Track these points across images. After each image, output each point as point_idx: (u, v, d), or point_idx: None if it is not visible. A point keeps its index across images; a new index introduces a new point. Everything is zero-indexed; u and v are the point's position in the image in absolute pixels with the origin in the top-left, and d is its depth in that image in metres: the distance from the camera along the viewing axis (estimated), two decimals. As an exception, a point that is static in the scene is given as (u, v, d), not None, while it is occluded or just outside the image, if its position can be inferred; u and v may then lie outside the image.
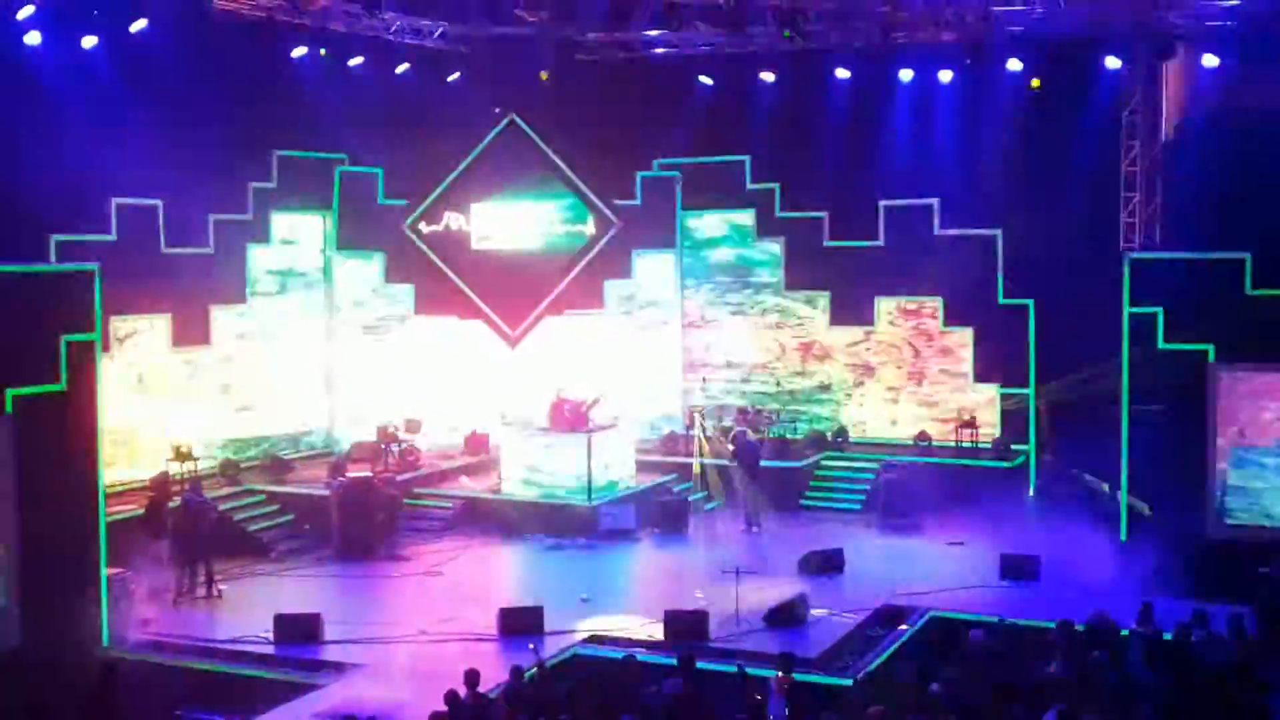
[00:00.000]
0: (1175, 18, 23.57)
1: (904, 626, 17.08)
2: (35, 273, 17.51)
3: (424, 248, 26.52)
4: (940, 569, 19.84)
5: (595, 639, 16.68)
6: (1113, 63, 25.07)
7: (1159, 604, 15.47)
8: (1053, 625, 14.53)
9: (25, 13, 20.33)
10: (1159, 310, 20.25)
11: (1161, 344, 20.26)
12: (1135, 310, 20.47)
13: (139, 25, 21.33)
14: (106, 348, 19.14)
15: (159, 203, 22.66)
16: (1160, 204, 25.31)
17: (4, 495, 16.08)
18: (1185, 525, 19.72)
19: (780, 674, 13.66)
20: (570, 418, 23.28)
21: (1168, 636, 14.08)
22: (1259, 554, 17.81)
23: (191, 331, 23.52)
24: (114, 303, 18.95)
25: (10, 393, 16.06)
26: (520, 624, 16.60)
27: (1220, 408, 19.76)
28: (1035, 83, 25.76)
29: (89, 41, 21.38)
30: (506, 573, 20.90)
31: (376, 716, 13.27)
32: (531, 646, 14.98)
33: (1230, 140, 24.20)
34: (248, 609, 18.26)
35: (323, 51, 23.64)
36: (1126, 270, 20.80)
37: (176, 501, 20.16)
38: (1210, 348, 19.88)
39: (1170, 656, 13.11)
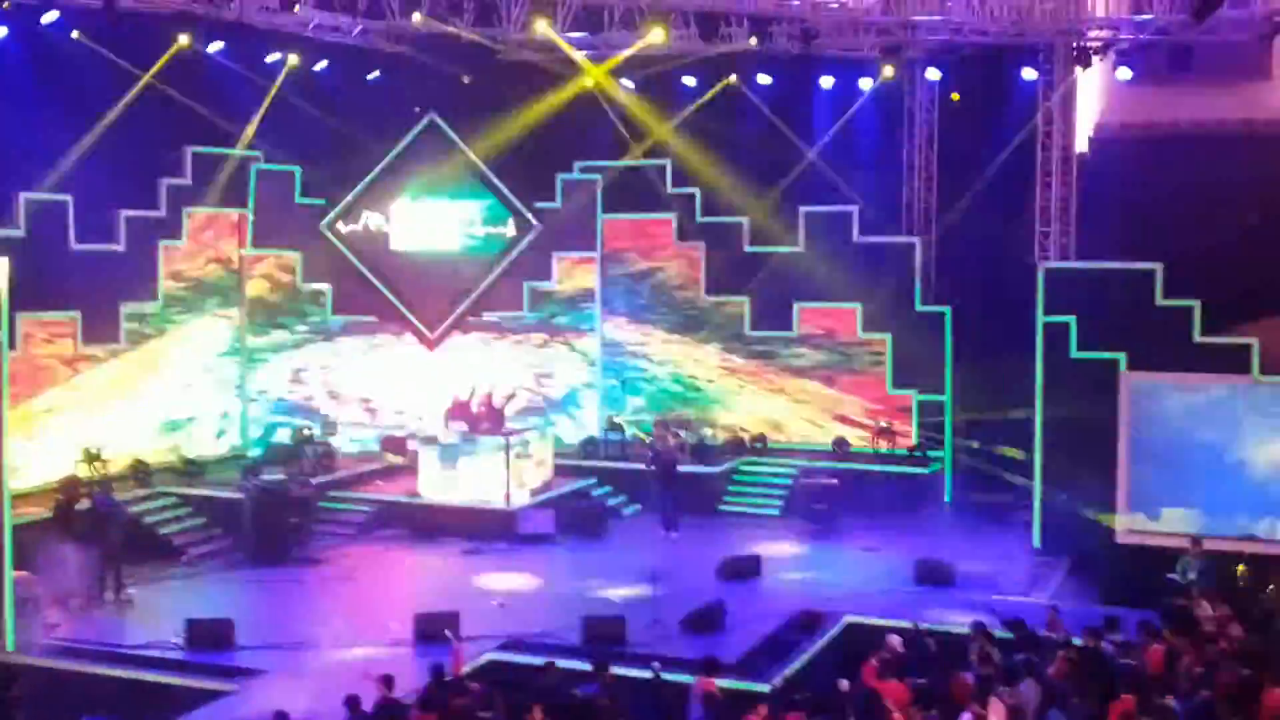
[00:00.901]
0: (1091, 30, 23.94)
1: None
2: (-60, 268, 17.08)
3: (342, 247, 26.29)
4: (857, 574, 19.97)
5: (512, 644, 16.58)
6: (1029, 74, 25.44)
7: (1069, 610, 15.70)
8: (967, 630, 14.68)
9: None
10: (1072, 319, 20.59)
11: (1074, 353, 20.60)
12: (1049, 319, 20.79)
13: (50, 17, 20.87)
14: (13, 345, 18.68)
15: (69, 198, 22.19)
16: (1075, 214, 25.69)
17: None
18: (1095, 531, 20.06)
19: (700, 678, 13.66)
20: (488, 416, 23.23)
21: (1077, 641, 14.26)
22: (1166, 560, 18.11)
23: (101, 330, 23.04)
24: (21, 300, 18.50)
25: (-88, 391, 15.69)
26: (436, 630, 16.43)
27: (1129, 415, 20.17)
28: (955, 96, 26.14)
29: (-1, 33, 20.95)
30: (423, 577, 20.71)
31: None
32: (447, 632, 14.99)
33: (1143, 153, 24.68)
34: (158, 614, 17.91)
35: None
36: (1041, 279, 21.13)
37: (86, 504, 19.76)
38: (1122, 356, 20.24)
39: (1086, 663, 13.27)
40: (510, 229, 26.85)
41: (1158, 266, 20.29)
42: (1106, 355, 20.38)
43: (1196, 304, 19.97)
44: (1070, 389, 20.67)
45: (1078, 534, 20.31)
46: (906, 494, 23.79)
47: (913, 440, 25.06)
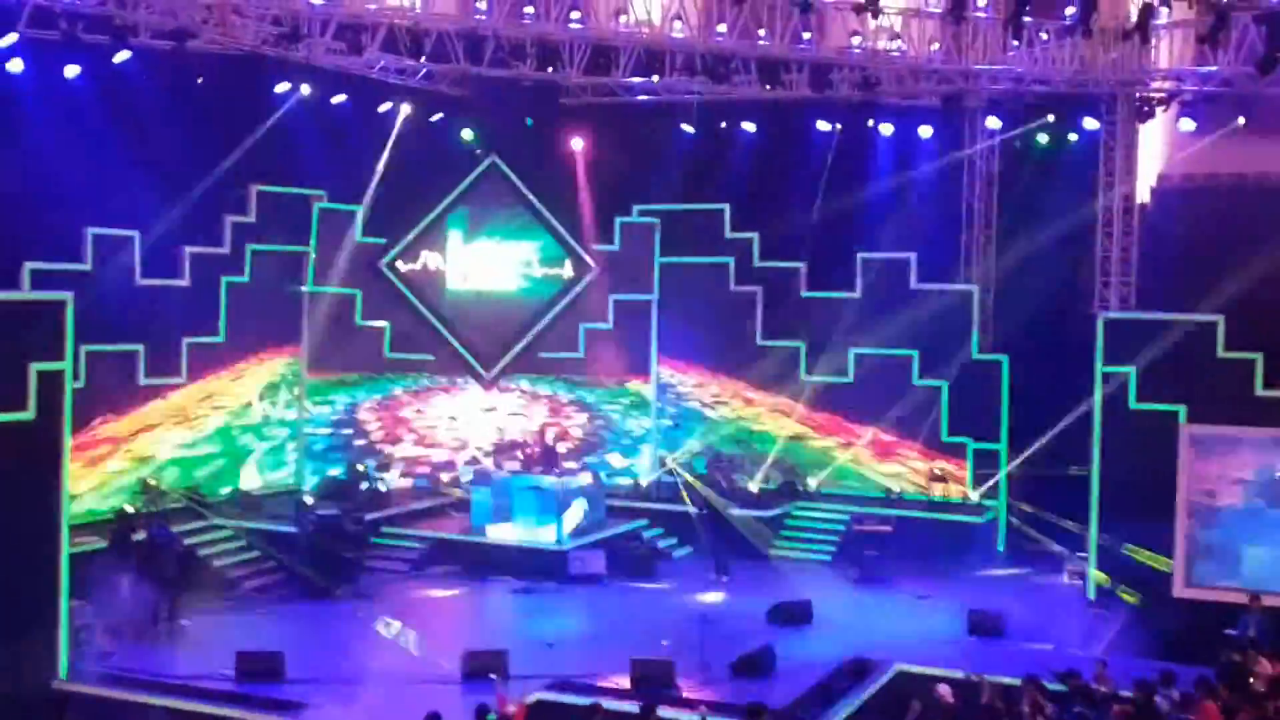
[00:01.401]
0: (1154, 81, 23.83)
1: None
2: (6, 300, 17.40)
3: (401, 286, 26.48)
4: (908, 623, 19.79)
5: (560, 685, 16.55)
6: (1091, 123, 25.34)
7: (1125, 663, 15.47)
8: (1018, 681, 14.51)
9: (8, 40, 20.30)
10: (1131, 370, 20.39)
11: (1133, 404, 20.39)
12: (1108, 369, 20.60)
13: (122, 56, 21.29)
14: (76, 377, 18.96)
15: (135, 234, 22.54)
16: (1135, 265, 25.50)
17: (-34, 523, 15.90)
18: (1153, 585, 19.79)
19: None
20: (540, 455, 23.37)
21: (1127, 694, 14.07)
22: (1225, 615, 17.85)
23: (163, 363, 23.34)
24: (86, 332, 18.78)
25: (-24, 420, 15.94)
26: (485, 667, 16.45)
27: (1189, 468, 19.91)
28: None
29: (72, 71, 21.36)
30: (473, 615, 20.73)
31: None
32: (493, 676, 14.95)
33: (1205, 204, 24.49)
34: (210, 645, 18.04)
35: None
36: (1100, 330, 20.95)
37: (142, 534, 19.98)
38: (1182, 408, 20.00)
39: (1142, 718, 13.10)
40: (568, 270, 27.02)
41: (1219, 318, 20.08)
42: (1166, 407, 20.15)
43: (1259, 356, 19.73)
44: (1129, 440, 20.44)
45: (1134, 586, 20.05)
46: (960, 542, 23.57)
47: (967, 488, 24.84)
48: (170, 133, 22.17)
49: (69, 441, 17.28)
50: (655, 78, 24.85)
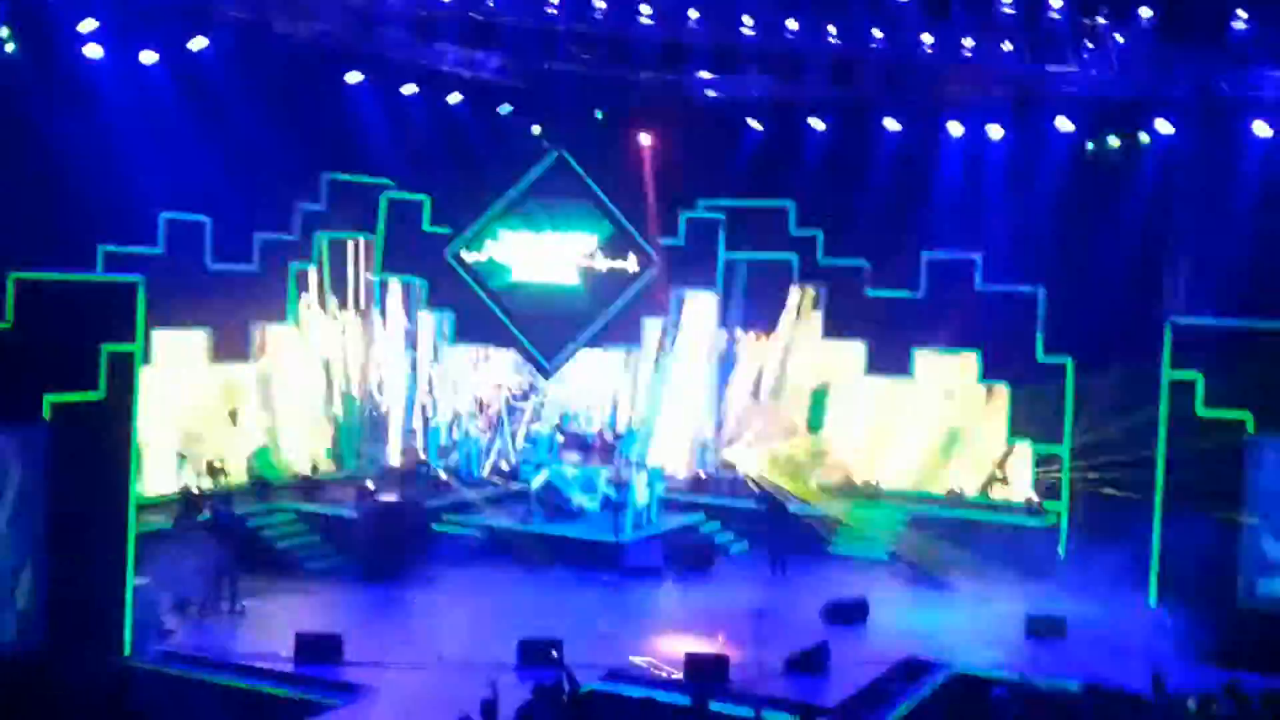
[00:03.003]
0: (1230, 86, 23.48)
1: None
2: (80, 281, 17.69)
3: (466, 275, 26.61)
4: (965, 625, 19.67)
5: (614, 675, 16.62)
6: (1164, 127, 24.98)
7: (1187, 672, 15.29)
8: (1076, 687, 14.41)
9: (87, 26, 20.63)
10: (1199, 376, 20.08)
11: (1200, 410, 20.08)
12: (1175, 375, 20.31)
13: (199, 43, 21.59)
14: (148, 360, 19.24)
15: (207, 219, 22.84)
16: (1207, 269, 25.14)
17: (35, 500, 16.18)
18: (1218, 592, 19.49)
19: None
20: (600, 447, 23.49)
21: (1192, 706, 13.91)
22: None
23: (231, 347, 23.64)
24: (156, 315, 19.01)
25: (49, 398, 16.21)
26: (539, 656, 16.56)
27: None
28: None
29: (148, 57, 21.68)
30: (529, 604, 20.85)
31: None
32: (554, 653, 15.04)
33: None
34: (270, 626, 18.30)
35: None
36: (1168, 334, 20.65)
37: (206, 515, 20.27)
38: (1249, 416, 19.67)
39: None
40: (632, 264, 27.01)
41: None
42: (1233, 414, 19.82)
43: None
44: (1194, 447, 20.13)
45: (1197, 594, 19.76)
46: (1020, 545, 23.36)
47: (1028, 490, 24.62)
48: (243, 119, 22.47)
49: (138, 422, 17.55)
50: (724, 74, 24.82)
